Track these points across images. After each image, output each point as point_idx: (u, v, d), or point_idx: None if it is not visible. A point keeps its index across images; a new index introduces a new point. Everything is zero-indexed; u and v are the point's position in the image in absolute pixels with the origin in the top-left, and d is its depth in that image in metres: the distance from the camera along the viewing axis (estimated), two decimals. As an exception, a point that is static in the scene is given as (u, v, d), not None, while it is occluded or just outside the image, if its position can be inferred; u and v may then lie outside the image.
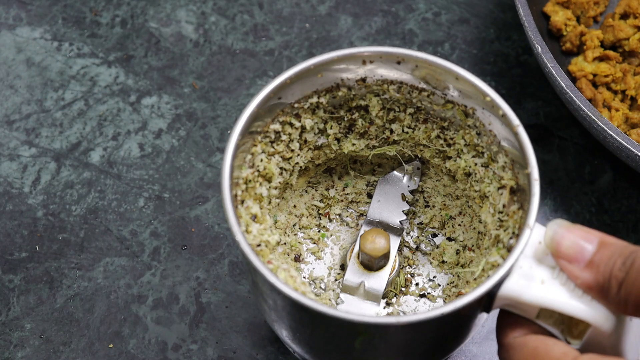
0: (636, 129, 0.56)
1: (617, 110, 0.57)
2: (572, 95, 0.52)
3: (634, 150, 0.51)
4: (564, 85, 0.53)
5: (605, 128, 0.51)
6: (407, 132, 0.48)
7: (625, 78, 0.58)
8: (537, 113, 0.60)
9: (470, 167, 0.47)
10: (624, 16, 0.61)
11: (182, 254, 0.54)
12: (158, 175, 0.57)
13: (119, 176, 0.57)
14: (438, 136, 0.47)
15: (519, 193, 0.42)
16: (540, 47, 0.54)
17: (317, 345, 0.43)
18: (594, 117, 0.52)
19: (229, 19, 0.64)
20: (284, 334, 0.44)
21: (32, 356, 0.51)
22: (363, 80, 0.45)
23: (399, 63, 0.44)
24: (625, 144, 0.51)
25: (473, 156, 0.46)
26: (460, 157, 0.47)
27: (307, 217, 0.51)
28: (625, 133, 0.56)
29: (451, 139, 0.47)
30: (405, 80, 0.45)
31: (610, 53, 0.59)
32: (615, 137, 0.51)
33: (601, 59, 0.59)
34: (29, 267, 0.54)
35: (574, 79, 0.59)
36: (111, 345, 0.51)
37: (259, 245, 0.43)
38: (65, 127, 0.59)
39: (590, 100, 0.57)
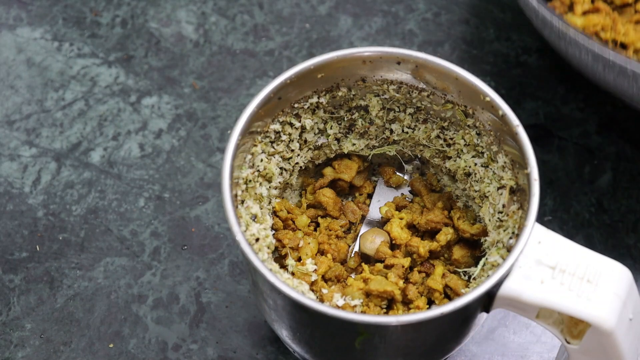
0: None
1: None
2: (555, 24, 0.49)
3: (629, 66, 0.48)
4: (547, 14, 0.50)
5: (600, 53, 0.49)
6: (407, 132, 0.48)
7: (616, 26, 0.56)
8: (537, 113, 0.60)
9: (470, 167, 0.47)
10: None
11: (182, 254, 0.54)
12: (158, 175, 0.57)
13: (119, 176, 0.57)
14: (438, 136, 0.47)
15: (519, 193, 0.42)
16: None
17: (317, 345, 0.43)
18: (582, 42, 0.49)
19: (229, 19, 0.64)
20: (284, 334, 0.44)
21: (32, 356, 0.51)
22: (363, 80, 0.45)
23: (399, 63, 0.44)
24: (621, 62, 0.48)
25: (473, 156, 0.46)
26: (460, 157, 0.47)
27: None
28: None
29: (451, 139, 0.47)
30: (405, 80, 0.45)
31: (600, 5, 0.57)
32: (615, 59, 0.48)
33: (592, 13, 0.58)
34: (29, 267, 0.54)
35: None
36: (111, 345, 0.51)
37: (259, 245, 0.43)
38: (66, 127, 0.59)
39: None
